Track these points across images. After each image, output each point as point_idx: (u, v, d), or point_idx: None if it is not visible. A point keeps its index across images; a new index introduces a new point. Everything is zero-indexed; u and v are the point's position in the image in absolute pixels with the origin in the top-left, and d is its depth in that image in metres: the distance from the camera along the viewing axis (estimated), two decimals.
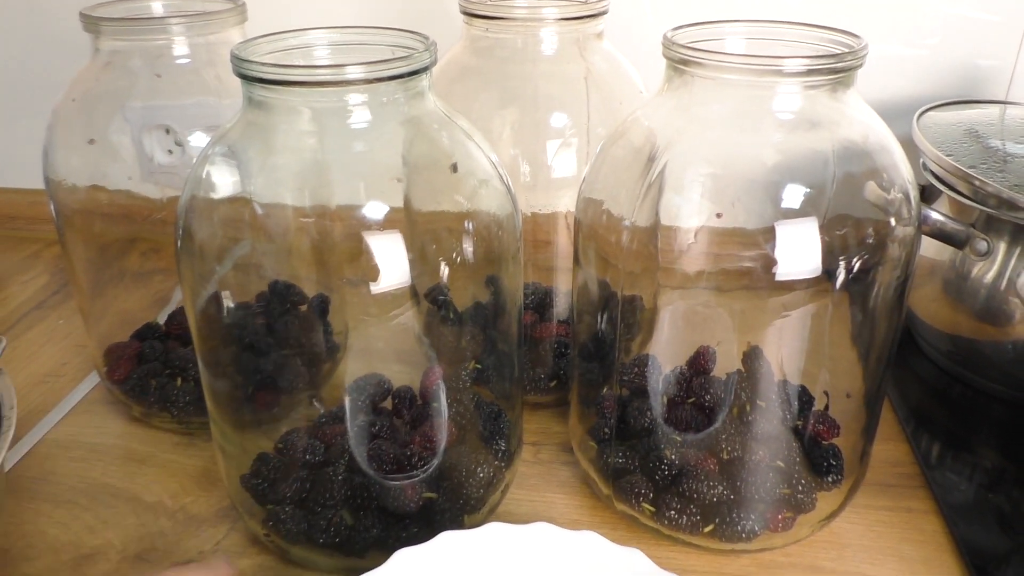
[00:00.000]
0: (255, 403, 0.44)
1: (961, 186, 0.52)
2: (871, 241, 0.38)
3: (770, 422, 0.44)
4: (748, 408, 0.44)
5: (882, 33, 0.64)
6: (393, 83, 0.35)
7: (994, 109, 0.60)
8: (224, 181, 0.38)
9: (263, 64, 0.34)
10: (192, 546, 0.43)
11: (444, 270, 0.38)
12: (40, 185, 0.50)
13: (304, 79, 0.34)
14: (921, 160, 0.56)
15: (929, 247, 0.56)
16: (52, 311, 0.66)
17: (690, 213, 0.41)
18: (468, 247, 0.39)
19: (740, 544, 0.42)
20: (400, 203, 0.37)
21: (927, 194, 0.56)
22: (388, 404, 0.46)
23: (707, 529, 0.42)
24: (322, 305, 0.44)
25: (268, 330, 0.43)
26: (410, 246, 0.36)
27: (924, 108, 0.60)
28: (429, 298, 0.42)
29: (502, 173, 0.40)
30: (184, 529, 0.45)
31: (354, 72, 0.33)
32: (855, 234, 0.38)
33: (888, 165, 0.39)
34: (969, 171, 0.51)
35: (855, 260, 0.38)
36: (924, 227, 0.51)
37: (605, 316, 0.44)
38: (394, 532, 0.40)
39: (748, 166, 0.39)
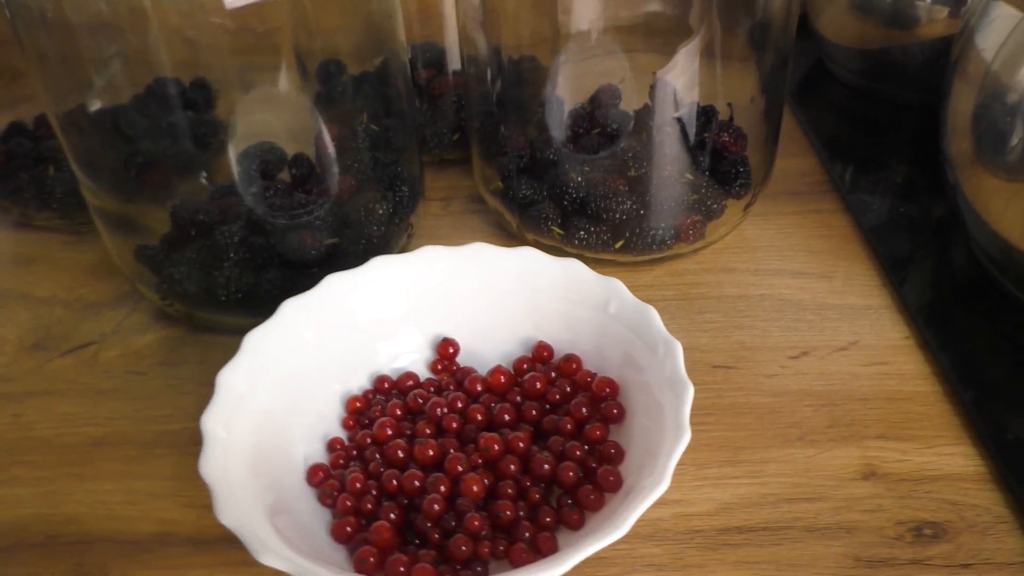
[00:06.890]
0: (144, 185, 0.41)
1: None
2: None
3: (677, 139, 0.43)
4: (654, 130, 0.43)
5: None
6: None
7: None
8: None
9: None
10: (92, 329, 0.42)
11: None
12: None
13: None
14: None
15: None
16: None
17: None
18: None
19: (652, 254, 0.41)
20: None
21: None
22: (286, 176, 0.44)
23: (618, 245, 0.41)
24: (200, 85, 0.39)
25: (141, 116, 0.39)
26: None
27: None
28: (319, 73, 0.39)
29: None
30: (81, 316, 0.42)
31: None
32: None
33: None
34: None
35: None
36: None
37: (496, 63, 0.42)
38: (300, 281, 0.39)
39: None
